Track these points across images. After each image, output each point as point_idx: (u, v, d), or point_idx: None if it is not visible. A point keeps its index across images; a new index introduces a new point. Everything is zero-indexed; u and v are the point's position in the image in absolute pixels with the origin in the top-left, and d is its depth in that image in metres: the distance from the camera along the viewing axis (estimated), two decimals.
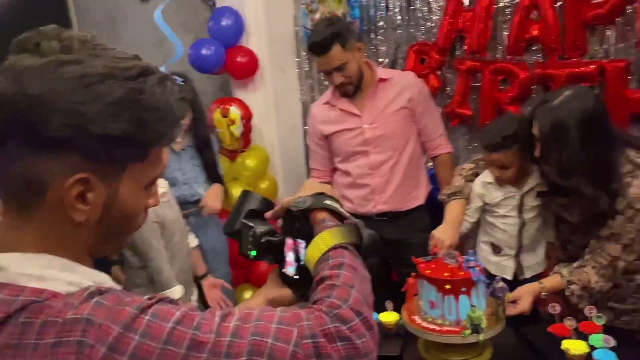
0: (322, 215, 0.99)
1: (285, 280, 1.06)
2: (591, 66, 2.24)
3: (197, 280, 2.28)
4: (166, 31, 2.57)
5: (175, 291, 1.94)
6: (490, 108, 2.57)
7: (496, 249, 2.01)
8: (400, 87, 2.30)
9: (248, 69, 3.01)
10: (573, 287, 1.72)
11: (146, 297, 0.67)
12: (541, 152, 1.66)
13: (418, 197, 2.38)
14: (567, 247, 1.90)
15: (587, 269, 1.71)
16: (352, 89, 2.25)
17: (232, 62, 2.98)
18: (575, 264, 1.76)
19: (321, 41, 2.13)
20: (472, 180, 2.01)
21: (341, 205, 1.03)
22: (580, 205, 1.69)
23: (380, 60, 2.94)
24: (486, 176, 1.95)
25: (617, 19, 2.19)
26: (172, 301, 0.69)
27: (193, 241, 2.30)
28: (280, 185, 3.21)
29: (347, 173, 2.37)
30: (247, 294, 3.07)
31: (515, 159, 1.83)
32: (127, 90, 0.65)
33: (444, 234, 1.87)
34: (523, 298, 1.73)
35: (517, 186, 1.90)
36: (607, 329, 1.58)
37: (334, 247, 0.88)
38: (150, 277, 1.95)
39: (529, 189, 1.89)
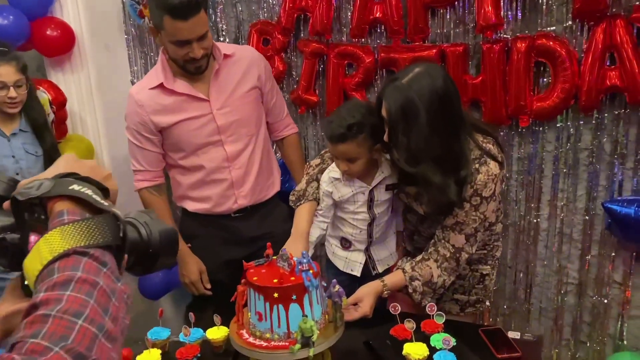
0: (61, 205, 0.68)
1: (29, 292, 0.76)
2: (433, 50, 2.18)
3: None
4: None
5: None
6: (337, 94, 2.42)
7: (345, 244, 1.88)
8: (246, 63, 2.02)
9: (61, 44, 2.56)
10: (415, 283, 1.63)
11: None
12: (389, 136, 1.52)
13: (274, 184, 2.16)
14: (414, 237, 1.82)
15: (430, 262, 1.63)
16: (205, 65, 1.89)
17: (39, 36, 2.50)
18: (417, 258, 1.67)
19: (192, 1, 1.74)
20: (317, 180, 1.82)
21: (104, 193, 0.74)
22: (428, 194, 1.58)
23: (221, 39, 2.65)
24: (333, 172, 1.78)
25: (456, 2, 2.14)
26: None
27: None
28: None
29: (197, 168, 2.01)
30: None
31: (362, 150, 1.67)
32: None
33: (293, 247, 1.64)
34: (364, 300, 1.59)
35: (366, 181, 1.76)
36: (450, 325, 1.51)
37: (64, 255, 0.61)
38: None
39: (377, 182, 1.77)
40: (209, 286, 2.02)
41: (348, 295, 1.52)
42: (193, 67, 1.87)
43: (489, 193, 1.54)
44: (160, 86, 1.91)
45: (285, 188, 2.30)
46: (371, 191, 1.76)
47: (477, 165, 1.52)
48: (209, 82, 1.95)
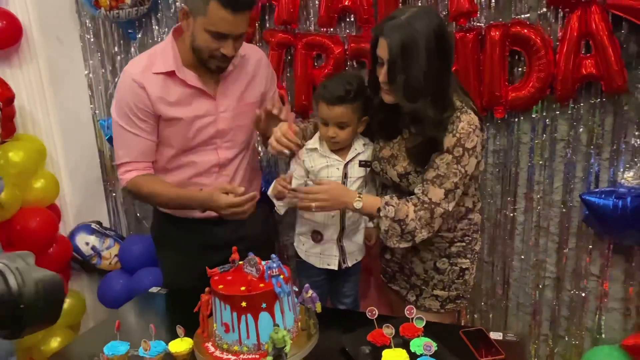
0: None
1: None
2: None
3: None
4: None
5: None
6: (306, 86, 2.31)
7: (317, 237, 1.83)
8: (254, 66, 1.88)
9: (6, 36, 2.37)
10: (389, 208, 1.60)
11: None
12: (388, 74, 1.52)
13: (256, 191, 1.94)
14: None
15: (409, 204, 1.61)
16: (228, 65, 1.76)
17: None
18: (400, 198, 1.66)
19: None
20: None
21: None
22: (419, 133, 1.59)
23: None
24: (312, 143, 1.81)
25: None
26: None
27: None
28: (64, 185, 2.61)
29: (182, 169, 1.85)
30: None
31: (354, 117, 1.73)
32: None
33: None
34: (331, 186, 1.66)
35: (341, 156, 1.78)
36: (429, 328, 1.42)
37: None
38: None
39: (351, 158, 1.79)
40: (241, 190, 1.68)
41: (322, 300, 1.43)
42: (216, 65, 1.72)
43: (471, 145, 1.54)
44: (169, 73, 1.73)
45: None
46: (345, 166, 1.76)
47: (458, 114, 1.54)
48: (218, 81, 1.80)
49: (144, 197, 1.87)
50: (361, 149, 1.79)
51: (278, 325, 1.22)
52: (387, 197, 1.65)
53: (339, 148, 1.79)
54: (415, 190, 1.62)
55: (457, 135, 1.53)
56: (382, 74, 1.54)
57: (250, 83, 1.87)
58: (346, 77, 1.76)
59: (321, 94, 1.73)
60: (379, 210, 1.61)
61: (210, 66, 1.72)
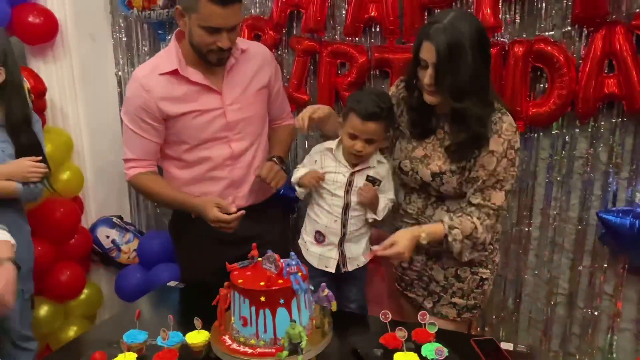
0: None
1: None
2: None
3: None
4: None
5: None
6: (328, 94, 2.36)
7: (320, 238, 1.84)
8: (260, 61, 1.95)
9: (43, 32, 2.45)
10: (455, 231, 1.61)
11: None
12: (435, 76, 1.54)
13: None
14: (419, 219, 1.77)
15: (472, 218, 1.61)
16: (227, 57, 1.82)
17: (21, 23, 2.40)
18: (457, 214, 1.65)
19: None
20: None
21: None
22: (464, 130, 1.60)
23: None
24: (329, 143, 1.83)
25: (453, 3, 2.10)
26: None
27: None
28: (88, 177, 2.68)
29: (197, 163, 1.90)
30: (43, 310, 2.50)
31: (382, 134, 1.75)
32: None
33: None
34: (399, 241, 1.58)
35: (351, 164, 1.80)
36: (441, 334, 1.45)
37: None
38: None
39: (360, 169, 1.79)
40: (233, 209, 1.77)
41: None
42: (216, 58, 1.78)
43: (517, 145, 1.60)
44: (174, 72, 1.81)
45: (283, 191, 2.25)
46: (352, 175, 1.78)
47: (499, 114, 1.59)
48: (223, 75, 1.87)
49: (144, 194, 2.03)
50: (373, 164, 1.80)
51: (294, 321, 1.25)
52: (446, 219, 1.64)
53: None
54: (473, 200, 1.62)
55: (505, 137, 1.57)
56: (427, 76, 1.55)
57: (255, 75, 1.93)
58: (378, 93, 1.78)
59: (355, 108, 1.72)
60: (445, 236, 1.62)
61: (211, 60, 1.78)
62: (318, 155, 1.83)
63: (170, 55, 1.83)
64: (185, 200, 1.88)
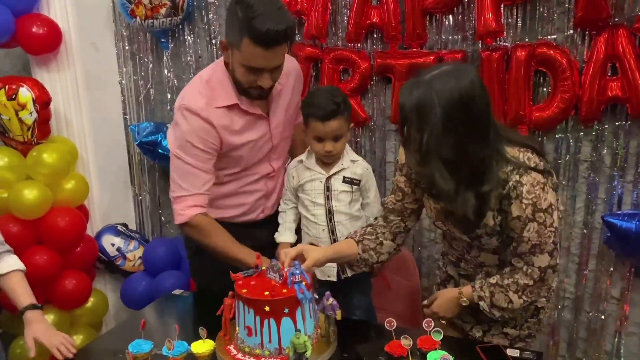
0: None
1: None
2: (430, 57, 2.13)
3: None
4: None
5: None
6: None
7: None
8: (294, 78, 1.91)
9: (47, 42, 2.46)
10: (482, 303, 1.55)
11: None
12: (401, 131, 1.44)
13: None
14: (460, 264, 1.70)
15: (509, 293, 1.51)
16: (269, 92, 1.77)
17: (25, 33, 2.41)
18: (492, 280, 1.55)
19: (282, 31, 1.57)
20: None
21: None
22: (451, 208, 1.49)
23: (213, 42, 2.59)
24: (299, 157, 1.88)
25: (455, 8, 2.10)
26: None
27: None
28: (93, 187, 2.69)
29: (237, 179, 1.89)
30: (49, 319, 2.50)
31: (346, 127, 1.76)
32: None
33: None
34: (437, 299, 1.63)
35: (325, 169, 1.81)
36: (446, 342, 1.44)
37: None
38: None
39: (335, 172, 1.80)
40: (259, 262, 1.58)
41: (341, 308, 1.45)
42: (257, 94, 1.74)
43: (547, 204, 1.42)
44: (233, 107, 1.76)
45: None
46: (328, 179, 1.78)
47: (517, 177, 1.40)
48: (269, 102, 1.84)
49: (198, 238, 1.84)
50: (347, 165, 1.79)
51: (299, 331, 1.26)
52: (477, 286, 1.56)
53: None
54: (516, 264, 1.50)
55: (527, 201, 1.40)
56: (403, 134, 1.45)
57: (292, 97, 1.92)
58: (329, 90, 1.78)
59: (312, 112, 1.71)
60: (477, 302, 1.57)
61: (252, 95, 1.74)
62: (293, 170, 1.86)
63: (225, 87, 1.76)
64: (240, 259, 1.75)
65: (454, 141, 1.35)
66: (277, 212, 1.98)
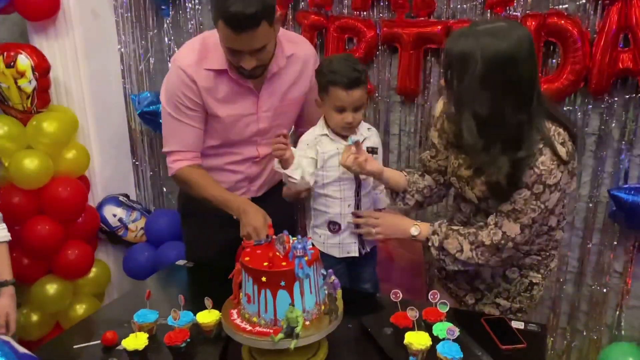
0: None
1: None
2: (438, 26, 2.09)
3: None
4: None
5: None
6: None
7: (334, 227, 1.78)
8: (301, 65, 1.81)
9: (45, 8, 2.40)
10: (434, 238, 1.59)
11: None
12: (444, 74, 1.44)
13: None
14: (470, 222, 1.68)
15: (464, 242, 1.54)
16: (261, 73, 1.69)
17: None
18: (454, 227, 1.59)
19: (250, 15, 1.48)
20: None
21: None
22: (481, 167, 1.48)
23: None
24: (319, 129, 1.74)
25: None
26: None
27: None
28: (94, 157, 2.66)
29: (221, 156, 1.85)
30: (51, 288, 2.52)
31: (366, 98, 1.71)
32: None
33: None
34: (385, 216, 1.71)
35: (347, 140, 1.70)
36: (452, 314, 1.45)
37: None
38: None
39: (360, 139, 1.70)
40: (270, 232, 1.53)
41: (343, 287, 1.43)
42: (247, 73, 1.66)
43: (553, 181, 1.40)
44: (221, 71, 1.70)
45: None
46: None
47: (541, 146, 1.39)
48: (263, 79, 1.75)
49: (189, 188, 1.85)
50: (367, 134, 1.74)
51: (293, 305, 1.24)
52: (436, 223, 1.61)
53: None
54: (489, 220, 1.53)
55: (537, 170, 1.39)
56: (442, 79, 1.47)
57: (295, 83, 1.82)
58: (347, 59, 1.69)
59: (336, 80, 1.63)
60: (427, 239, 1.60)
61: (243, 74, 1.67)
62: (312, 145, 1.72)
63: (218, 51, 1.68)
64: (228, 201, 1.74)
65: (490, 99, 1.35)
66: (262, 195, 1.95)
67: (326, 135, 1.71)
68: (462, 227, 1.58)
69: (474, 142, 1.40)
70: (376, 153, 1.74)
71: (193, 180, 1.81)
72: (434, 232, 1.60)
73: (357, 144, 1.62)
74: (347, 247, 1.80)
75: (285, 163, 1.67)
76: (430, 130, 1.77)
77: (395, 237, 1.73)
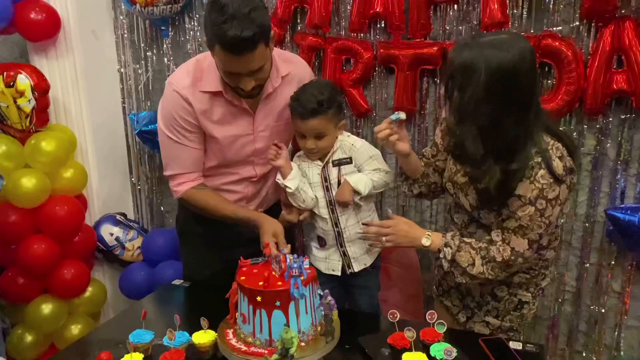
0: None
1: None
2: (434, 48, 2.11)
3: None
4: None
5: None
6: None
7: (322, 242, 1.82)
8: (297, 84, 1.80)
9: (45, 29, 2.43)
10: (447, 250, 1.57)
11: None
12: (445, 87, 1.47)
13: (278, 195, 1.99)
14: (462, 233, 1.70)
15: (476, 257, 1.53)
16: (258, 92, 1.70)
17: (23, 19, 2.38)
18: (467, 239, 1.58)
19: (248, 38, 1.47)
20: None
21: None
22: (474, 175, 1.50)
23: None
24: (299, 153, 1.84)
25: None
26: None
27: None
28: (92, 176, 2.66)
29: (217, 175, 1.86)
30: (46, 307, 2.50)
31: (330, 126, 1.71)
32: None
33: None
34: (398, 224, 1.66)
35: (322, 160, 1.77)
36: (449, 334, 1.44)
37: None
38: None
39: (327, 160, 1.76)
40: (286, 249, 1.56)
41: (341, 307, 1.44)
42: (245, 94, 1.67)
43: (554, 195, 1.42)
44: (216, 93, 1.71)
45: None
46: (323, 169, 1.75)
47: (539, 160, 1.40)
48: (259, 100, 1.76)
49: (200, 210, 1.84)
50: (335, 148, 1.74)
51: (287, 326, 1.24)
52: (449, 235, 1.59)
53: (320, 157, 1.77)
54: (494, 237, 1.52)
55: (537, 184, 1.40)
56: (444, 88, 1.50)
57: (288, 104, 1.81)
58: (317, 86, 1.71)
59: (294, 107, 1.69)
60: (439, 250, 1.59)
61: (240, 94, 1.68)
62: (297, 160, 1.82)
63: (212, 73, 1.70)
64: (251, 218, 1.77)
65: (492, 110, 1.37)
66: (261, 212, 1.93)
67: (301, 157, 1.80)
68: (474, 241, 1.57)
69: (477, 152, 1.42)
70: (347, 163, 1.73)
71: (202, 202, 1.82)
72: (447, 245, 1.58)
73: (399, 121, 1.59)
74: (332, 264, 1.82)
75: (281, 173, 1.74)
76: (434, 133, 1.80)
77: (404, 245, 1.69)
